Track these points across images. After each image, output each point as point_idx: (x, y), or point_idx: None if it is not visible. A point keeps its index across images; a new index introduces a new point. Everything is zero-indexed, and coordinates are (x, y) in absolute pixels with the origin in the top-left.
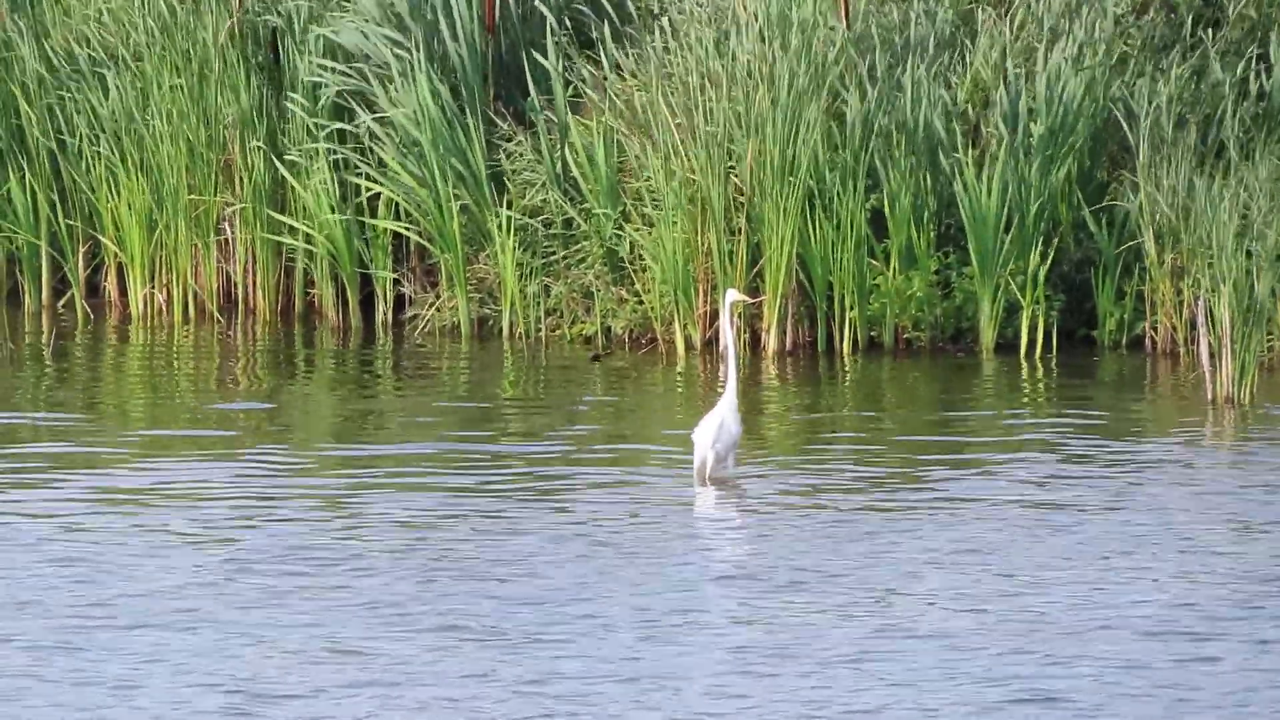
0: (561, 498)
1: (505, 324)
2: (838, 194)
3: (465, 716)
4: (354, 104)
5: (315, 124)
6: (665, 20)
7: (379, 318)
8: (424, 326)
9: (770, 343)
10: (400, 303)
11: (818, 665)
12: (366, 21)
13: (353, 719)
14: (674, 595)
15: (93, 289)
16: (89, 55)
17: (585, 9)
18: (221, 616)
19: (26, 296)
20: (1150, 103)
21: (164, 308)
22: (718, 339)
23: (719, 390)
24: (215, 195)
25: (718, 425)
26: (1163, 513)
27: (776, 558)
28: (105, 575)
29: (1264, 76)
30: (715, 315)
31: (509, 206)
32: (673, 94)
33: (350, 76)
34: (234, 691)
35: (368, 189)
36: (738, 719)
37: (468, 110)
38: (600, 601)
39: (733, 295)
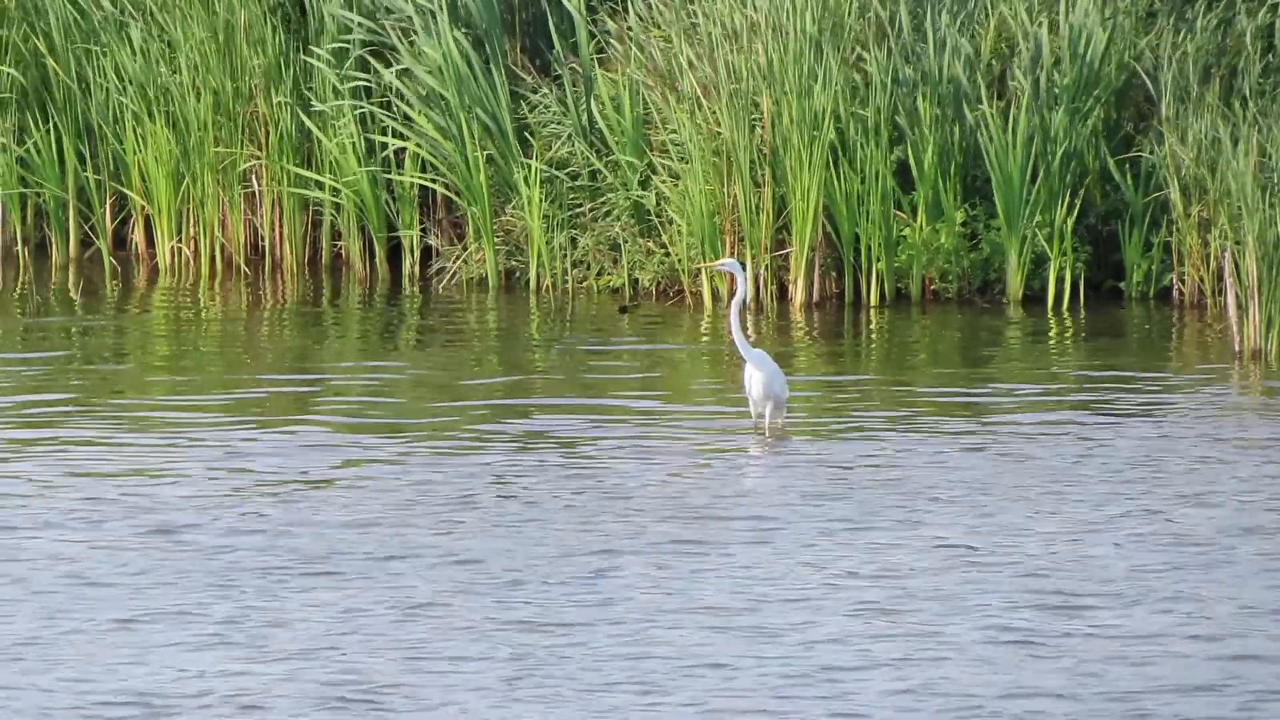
0: (592, 450)
1: (532, 276)
2: (862, 146)
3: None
4: (377, 58)
5: (340, 75)
6: None
7: (406, 270)
8: (451, 279)
9: (797, 295)
10: (427, 254)
11: (855, 600)
12: None
13: (407, 643)
14: (709, 532)
15: (119, 242)
16: (118, 5)
17: None
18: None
19: (54, 249)
20: (1175, 53)
21: (191, 260)
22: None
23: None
24: (241, 149)
25: (749, 379)
26: (1188, 463)
27: (809, 499)
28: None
29: None
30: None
31: (535, 158)
32: (696, 45)
33: (376, 31)
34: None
35: (394, 143)
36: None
37: (491, 62)
38: (629, 544)
39: (722, 263)
